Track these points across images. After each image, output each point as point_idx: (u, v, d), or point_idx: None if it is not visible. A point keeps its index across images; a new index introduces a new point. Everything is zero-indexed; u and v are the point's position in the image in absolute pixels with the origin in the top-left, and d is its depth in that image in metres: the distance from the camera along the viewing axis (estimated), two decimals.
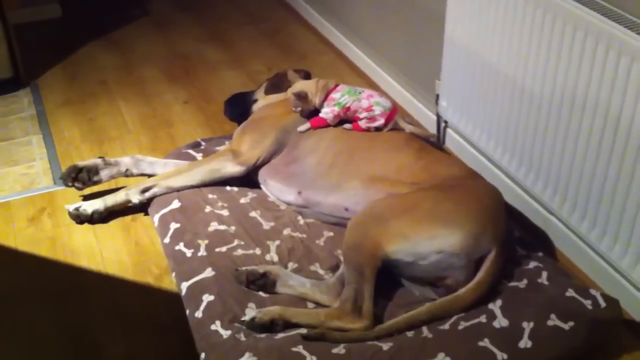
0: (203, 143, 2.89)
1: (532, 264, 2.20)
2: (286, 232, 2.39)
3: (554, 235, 2.43)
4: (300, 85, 2.59)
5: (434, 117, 2.97)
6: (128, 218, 2.58)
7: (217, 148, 2.83)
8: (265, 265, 2.20)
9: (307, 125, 2.54)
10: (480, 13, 2.45)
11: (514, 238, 2.30)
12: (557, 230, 2.41)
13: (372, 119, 2.50)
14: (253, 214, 2.47)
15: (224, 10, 4.42)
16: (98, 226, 2.54)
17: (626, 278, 2.17)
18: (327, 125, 2.54)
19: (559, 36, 2.16)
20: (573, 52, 2.12)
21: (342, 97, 2.52)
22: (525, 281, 2.13)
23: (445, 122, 2.91)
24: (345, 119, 2.54)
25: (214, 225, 2.39)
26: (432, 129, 3.01)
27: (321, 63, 3.73)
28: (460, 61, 2.62)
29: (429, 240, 2.05)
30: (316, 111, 2.57)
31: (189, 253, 2.28)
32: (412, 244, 2.05)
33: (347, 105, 2.51)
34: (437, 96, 2.85)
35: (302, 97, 2.53)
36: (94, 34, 4.04)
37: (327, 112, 2.52)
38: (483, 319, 2.00)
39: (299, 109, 2.55)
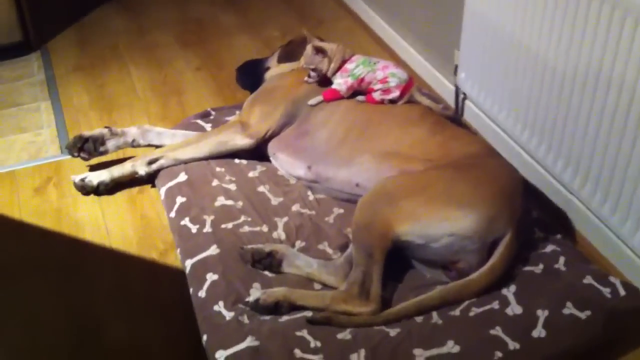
0: (213, 112, 2.81)
1: (550, 248, 2.11)
2: (295, 208, 2.32)
3: (574, 216, 2.32)
4: (305, 52, 2.48)
5: (453, 88, 2.85)
6: (135, 190, 2.52)
7: (227, 118, 2.75)
8: (272, 244, 2.13)
9: (319, 97, 2.45)
10: None
11: (531, 219, 2.21)
12: (578, 211, 2.30)
13: (386, 90, 2.40)
14: (261, 188, 2.39)
15: None
16: (104, 198, 2.49)
17: None
18: (340, 98, 2.44)
19: (584, 8, 2.02)
20: (599, 25, 1.99)
21: (356, 67, 2.41)
22: (541, 266, 2.04)
23: (464, 94, 2.79)
24: (359, 90, 2.44)
25: (220, 200, 2.32)
26: (451, 101, 2.89)
27: (338, 29, 3.60)
28: (480, 31, 2.49)
29: (441, 222, 1.96)
30: (328, 81, 2.47)
31: (194, 229, 2.22)
32: (423, 225, 1.97)
33: (362, 77, 2.41)
34: (456, 67, 2.73)
35: (321, 52, 2.41)
36: None
37: (341, 84, 2.42)
38: (496, 305, 1.92)
39: (312, 71, 2.43)
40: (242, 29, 3.62)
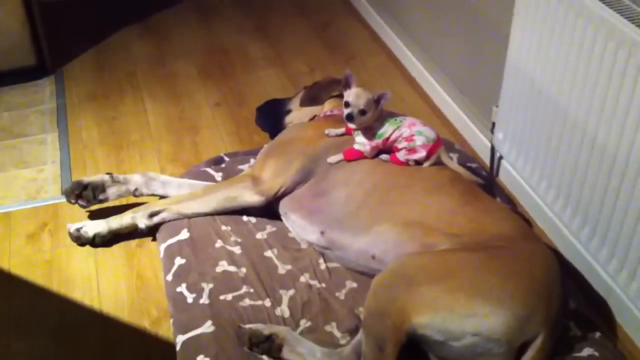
0: (226, 159, 2.60)
1: (587, 351, 1.85)
2: (303, 279, 2.10)
3: (616, 308, 2.05)
4: (356, 94, 2.15)
5: (488, 144, 2.59)
6: (133, 243, 2.32)
7: (241, 167, 2.53)
8: (272, 326, 1.91)
9: (339, 156, 2.22)
10: (549, 38, 2.05)
11: (567, 312, 1.95)
12: (620, 303, 2.02)
13: (412, 150, 2.16)
14: (269, 253, 2.17)
15: None
16: (100, 250, 2.30)
17: None
18: (363, 158, 2.20)
19: (633, 77, 1.76)
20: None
21: (382, 127, 2.18)
22: None
23: (501, 155, 2.53)
24: (384, 149, 2.21)
25: (222, 265, 2.11)
26: (486, 158, 2.63)
27: (371, 66, 3.36)
28: (522, 91, 2.24)
29: (465, 318, 1.72)
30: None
31: (190, 298, 2.02)
32: (444, 318, 1.73)
33: (387, 136, 2.17)
34: (493, 124, 2.47)
35: (377, 102, 2.15)
36: (129, 18, 3.76)
37: (364, 144, 2.18)
38: None
39: (362, 114, 2.13)
40: (268, 62, 3.41)
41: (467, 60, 2.77)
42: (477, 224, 1.98)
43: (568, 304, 1.98)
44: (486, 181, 2.35)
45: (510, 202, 2.41)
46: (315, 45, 3.58)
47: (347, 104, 2.16)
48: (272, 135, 2.75)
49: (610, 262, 1.96)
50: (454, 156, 2.45)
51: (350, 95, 2.16)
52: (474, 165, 2.50)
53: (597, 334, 1.92)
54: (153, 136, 2.87)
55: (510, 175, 2.49)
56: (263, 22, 3.80)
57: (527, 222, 2.23)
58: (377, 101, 2.15)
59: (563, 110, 2.05)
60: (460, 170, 2.21)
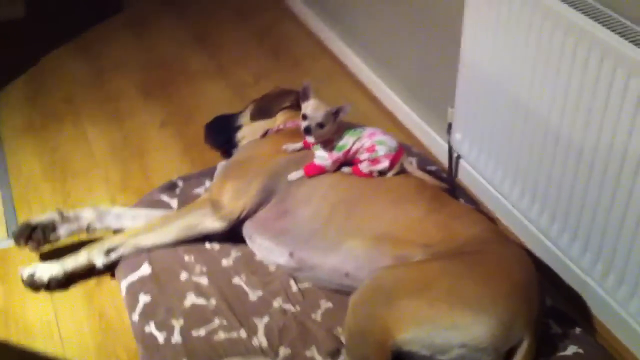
0: (180, 183, 2.49)
1: (571, 349, 1.85)
2: (276, 304, 2.02)
3: (592, 301, 2.05)
4: (314, 106, 2.08)
5: (445, 145, 2.57)
6: (92, 282, 2.20)
7: (196, 190, 2.44)
8: (250, 357, 1.83)
9: (299, 172, 2.15)
10: (502, 34, 2.04)
11: (545, 310, 1.93)
12: (595, 296, 2.03)
13: (375, 160, 2.11)
14: (237, 280, 2.09)
15: (210, 6, 3.95)
16: (57, 294, 2.17)
17: None
18: (324, 172, 2.14)
19: (594, 71, 1.76)
20: (613, 92, 1.73)
21: (342, 139, 2.12)
22: None
23: (459, 155, 2.51)
24: (345, 162, 2.15)
25: (190, 298, 2.02)
26: (443, 159, 2.61)
27: (317, 71, 3.31)
28: (478, 89, 2.22)
29: (449, 331, 1.68)
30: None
31: (161, 338, 1.92)
32: (428, 333, 1.69)
33: (348, 148, 2.12)
34: (450, 125, 2.45)
35: (323, 125, 2.07)
36: (61, 37, 3.58)
37: (325, 157, 2.12)
38: None
39: (320, 126, 2.06)
40: (211, 75, 3.30)
41: (418, 61, 2.73)
42: (447, 231, 1.95)
43: (545, 302, 1.96)
44: (448, 184, 2.32)
45: (473, 203, 2.39)
46: (257, 53, 3.49)
47: (304, 117, 2.10)
48: (224, 153, 2.68)
49: (584, 256, 1.96)
50: (413, 160, 2.42)
51: (307, 107, 2.09)
52: (433, 168, 2.47)
53: (578, 330, 1.91)
54: (99, 164, 2.74)
55: (471, 175, 2.47)
56: (201, 31, 3.69)
57: (492, 221, 2.22)
58: (335, 113, 2.09)
59: (523, 106, 2.03)
60: (424, 176, 2.17)
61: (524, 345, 1.70)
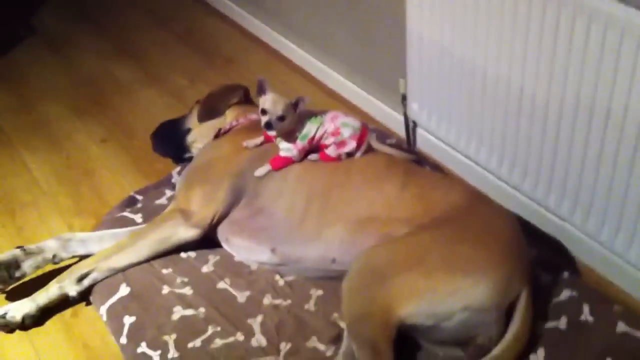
0: (139, 198, 2.41)
1: (565, 294, 1.89)
2: (267, 301, 1.98)
3: (572, 245, 2.10)
4: (273, 100, 2.04)
5: (399, 118, 2.57)
6: (67, 314, 2.09)
7: (158, 202, 2.36)
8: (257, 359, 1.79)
9: (266, 167, 2.10)
10: None
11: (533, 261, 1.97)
12: (574, 238, 2.08)
13: (341, 143, 2.10)
14: (222, 284, 2.04)
15: (124, 13, 3.83)
16: (33, 331, 2.05)
17: None
18: (291, 163, 2.11)
19: (553, 22, 1.78)
20: (559, 37, 1.77)
21: (304, 128, 2.09)
22: (564, 319, 1.81)
23: (414, 122, 2.52)
24: (310, 149, 2.12)
25: (178, 311, 1.96)
26: (399, 131, 2.61)
27: (252, 65, 3.25)
28: (430, 56, 2.22)
29: (450, 296, 1.69)
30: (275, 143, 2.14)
31: (155, 356, 1.85)
32: (430, 303, 1.69)
33: (312, 135, 2.09)
34: (404, 96, 2.45)
35: (284, 118, 2.04)
36: None
37: (290, 148, 2.09)
38: None
39: (280, 120, 2.03)
40: (144, 83, 3.19)
41: (358, 36, 2.71)
42: (427, 202, 1.95)
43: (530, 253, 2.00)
44: (414, 154, 2.33)
45: (439, 169, 2.40)
46: (186, 55, 3.40)
47: (264, 112, 2.05)
48: (176, 160, 2.60)
49: (562, 204, 2.00)
50: (372, 136, 2.41)
51: (266, 101, 2.05)
52: (393, 141, 2.47)
53: (566, 274, 1.96)
54: (46, 192, 2.60)
55: (430, 142, 2.49)
56: (121, 41, 3.56)
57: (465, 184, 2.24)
58: (295, 105, 2.05)
59: (479, 66, 2.05)
60: (392, 151, 2.17)
61: (523, 298, 1.73)
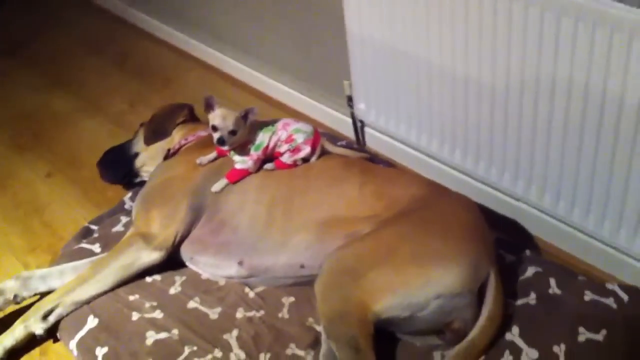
0: (94, 227, 2.36)
1: (530, 270, 1.94)
2: (239, 314, 1.97)
3: (526, 222, 2.16)
4: (222, 115, 2.05)
5: (347, 119, 2.60)
6: (36, 353, 2.03)
7: (115, 229, 2.32)
8: None
9: (223, 182, 2.10)
10: None
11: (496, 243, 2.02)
12: (530, 217, 2.14)
13: (295, 149, 2.11)
14: (192, 304, 2.02)
15: (53, 44, 3.75)
16: None
17: (624, 252, 1.95)
18: (248, 175, 2.10)
19: (475, 2, 1.84)
20: (498, 21, 1.82)
21: (256, 137, 2.09)
22: (533, 295, 1.86)
23: (361, 121, 2.55)
24: (265, 159, 2.13)
25: (151, 336, 1.93)
26: (348, 132, 2.64)
27: (191, 83, 3.23)
28: (372, 56, 2.25)
29: (423, 287, 1.71)
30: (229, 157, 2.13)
31: None
32: (403, 295, 1.71)
33: (266, 144, 2.09)
34: (349, 98, 2.48)
35: (235, 132, 2.04)
36: None
37: (245, 160, 2.09)
38: (508, 356, 1.72)
39: (231, 134, 2.03)
40: (83, 113, 3.13)
41: (296, 44, 2.73)
42: (387, 198, 1.97)
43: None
44: (367, 153, 2.36)
45: (391, 165, 2.44)
46: (122, 80, 3.36)
47: (214, 128, 2.05)
48: (126, 186, 2.56)
49: (516, 184, 2.05)
50: (325, 139, 2.43)
51: (216, 118, 2.05)
52: (343, 143, 2.49)
53: (528, 252, 2.01)
54: None
55: (378, 139, 2.52)
56: (55, 73, 3.49)
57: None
58: (244, 117, 2.05)
59: (423, 60, 2.08)
60: (346, 152, 2.20)
61: (492, 279, 1.77)
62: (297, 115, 2.85)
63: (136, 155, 2.51)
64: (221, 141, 2.04)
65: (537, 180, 1.97)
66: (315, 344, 1.86)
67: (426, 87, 2.14)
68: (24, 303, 2.10)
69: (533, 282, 1.89)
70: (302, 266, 1.98)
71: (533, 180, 1.98)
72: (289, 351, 1.86)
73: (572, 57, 1.70)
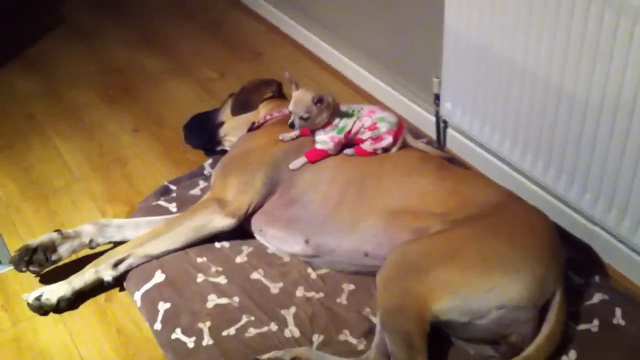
0: (173, 187, 2.43)
1: (597, 297, 1.91)
2: (299, 293, 2.01)
3: (601, 249, 2.11)
4: (295, 102, 2.08)
5: (431, 118, 2.59)
6: (101, 298, 2.12)
7: (192, 192, 2.38)
8: (290, 350, 1.82)
9: (301, 160, 2.13)
10: None
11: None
12: (605, 244, 2.09)
13: (377, 138, 2.12)
14: (255, 275, 2.06)
15: (150, 5, 3.87)
16: (67, 315, 2.08)
17: None
18: (327, 156, 2.13)
19: (581, 13, 1.80)
20: (602, 37, 1.77)
21: (340, 120, 2.11)
22: (596, 322, 1.83)
23: (445, 121, 2.54)
24: (347, 143, 2.15)
25: (212, 299, 1.98)
26: (428, 130, 2.64)
27: (280, 59, 3.27)
28: (466, 55, 2.23)
29: (486, 294, 1.70)
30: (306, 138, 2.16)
31: (190, 343, 1.88)
32: (465, 299, 1.71)
33: (349, 128, 2.11)
34: (436, 96, 2.47)
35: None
36: (4, 54, 3.42)
37: (326, 141, 2.11)
38: None
39: (303, 120, 2.07)
40: (173, 74, 3.23)
41: (391, 35, 2.73)
42: (461, 198, 1.96)
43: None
44: (447, 153, 2.35)
45: (469, 169, 2.42)
46: (214, 48, 3.43)
47: (290, 112, 2.09)
48: (208, 152, 2.63)
49: (595, 206, 2.00)
50: (407, 132, 2.43)
51: (291, 101, 2.08)
52: (424, 140, 2.49)
53: (597, 278, 1.98)
54: (78, 178, 2.63)
55: (460, 142, 2.50)
56: (148, 32, 3.59)
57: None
58: (317, 102, 2.06)
59: (518, 66, 2.04)
60: (426, 148, 2.19)
61: (557, 298, 1.75)
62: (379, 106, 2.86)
63: (221, 124, 2.57)
64: (292, 125, 2.08)
65: (618, 203, 1.92)
66: (368, 333, 1.88)
67: (517, 94, 2.11)
68: (97, 249, 2.19)
69: (598, 309, 1.86)
70: (366, 254, 2.00)
71: (614, 204, 1.93)
72: (342, 337, 1.89)
73: None
